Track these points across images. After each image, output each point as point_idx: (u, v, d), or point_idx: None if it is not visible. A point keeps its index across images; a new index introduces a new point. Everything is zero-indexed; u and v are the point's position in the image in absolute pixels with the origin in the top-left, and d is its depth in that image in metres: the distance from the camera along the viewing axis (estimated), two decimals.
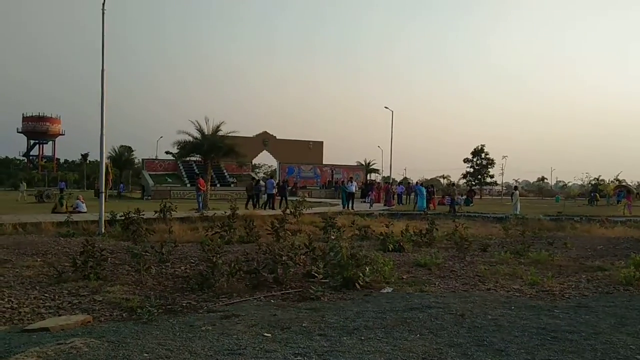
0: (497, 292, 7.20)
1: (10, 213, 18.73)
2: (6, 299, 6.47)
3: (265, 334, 4.82)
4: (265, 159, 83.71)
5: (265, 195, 26.48)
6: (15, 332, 5.09)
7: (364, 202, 34.12)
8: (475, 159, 67.66)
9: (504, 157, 78.85)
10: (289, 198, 26.34)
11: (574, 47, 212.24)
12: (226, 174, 47.60)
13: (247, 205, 25.10)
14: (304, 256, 8.93)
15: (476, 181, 66.91)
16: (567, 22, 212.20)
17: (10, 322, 5.59)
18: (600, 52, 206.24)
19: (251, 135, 52.74)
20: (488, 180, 68.43)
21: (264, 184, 27.76)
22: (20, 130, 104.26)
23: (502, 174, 68.99)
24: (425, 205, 27.49)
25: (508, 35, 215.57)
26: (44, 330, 5.10)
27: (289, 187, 34.52)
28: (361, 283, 7.24)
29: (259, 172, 75.59)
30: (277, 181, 33.82)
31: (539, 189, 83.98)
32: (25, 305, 6.24)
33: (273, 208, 24.54)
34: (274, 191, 26.52)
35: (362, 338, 4.76)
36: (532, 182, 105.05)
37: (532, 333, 4.99)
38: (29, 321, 5.60)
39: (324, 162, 55.52)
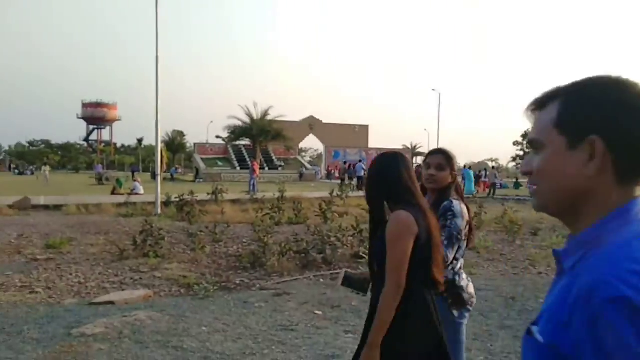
0: (548, 276, 7.07)
1: (73, 195, 19.77)
2: (74, 275, 6.92)
3: (316, 312, 4.97)
4: (312, 143, 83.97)
5: (356, 179, 27.58)
6: (84, 304, 5.47)
7: None
8: (525, 142, 65.48)
9: None
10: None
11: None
12: (274, 157, 48.20)
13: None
14: (351, 237, 9.02)
15: None
16: None
17: (79, 295, 6.00)
18: None
19: (298, 120, 53.05)
20: None
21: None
22: (80, 116, 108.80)
23: None
24: (473, 188, 26.97)
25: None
26: (110, 303, 5.46)
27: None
28: None
29: (305, 156, 76.11)
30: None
31: None
32: (91, 281, 6.66)
33: (360, 189, 25.68)
34: (363, 174, 27.76)
35: None
36: None
37: None
38: (95, 295, 5.99)
39: (369, 146, 55.22)
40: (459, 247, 2.48)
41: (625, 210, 0.79)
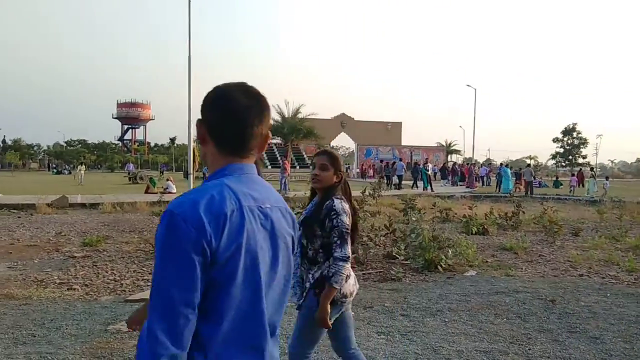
0: (590, 278, 6.83)
1: (109, 193, 20.25)
2: (109, 272, 7.05)
3: None
4: (343, 141, 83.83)
5: (396, 177, 28.00)
6: (119, 301, 5.56)
7: (443, 185, 33.60)
8: (565, 139, 63.77)
9: (598, 136, 73.61)
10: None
11: None
12: (305, 156, 48.25)
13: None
14: (384, 237, 8.92)
15: (566, 162, 63.13)
16: None
17: (114, 292, 6.10)
18: None
19: (329, 117, 52.97)
20: (580, 160, 64.26)
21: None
22: (115, 116, 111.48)
23: (596, 154, 64.58)
24: (510, 186, 26.36)
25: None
26: (144, 300, 5.51)
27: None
28: (443, 265, 7.13)
29: None
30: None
31: (638, 170, 77.71)
32: (126, 278, 6.76)
33: (400, 188, 26.07)
34: (403, 172, 27.99)
35: (446, 320, 4.71)
36: (630, 162, 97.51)
37: (630, 321, 4.71)
38: (130, 292, 6.07)
39: (402, 144, 54.68)
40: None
41: (224, 169, 1.26)
